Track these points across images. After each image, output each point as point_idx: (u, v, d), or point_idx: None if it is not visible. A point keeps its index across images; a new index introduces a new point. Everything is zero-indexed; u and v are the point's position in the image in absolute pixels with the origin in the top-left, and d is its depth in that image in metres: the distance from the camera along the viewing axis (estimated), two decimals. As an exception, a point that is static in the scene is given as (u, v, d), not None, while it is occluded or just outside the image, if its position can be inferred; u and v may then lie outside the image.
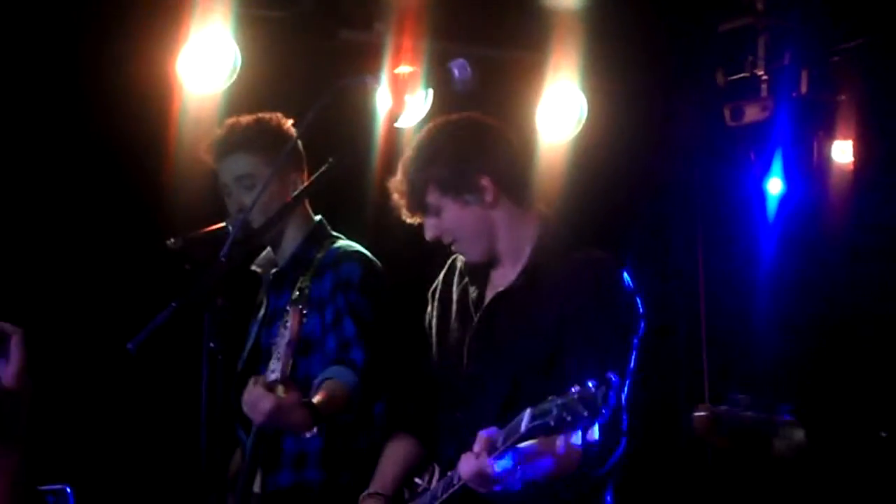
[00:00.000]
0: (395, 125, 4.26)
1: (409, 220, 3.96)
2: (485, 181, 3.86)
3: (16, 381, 2.48)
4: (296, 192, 4.29)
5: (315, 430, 4.07)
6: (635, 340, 3.78)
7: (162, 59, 5.32)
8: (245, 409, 3.99)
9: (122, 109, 5.45)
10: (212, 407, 3.32)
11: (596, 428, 3.31)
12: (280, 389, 3.91)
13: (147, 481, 5.68)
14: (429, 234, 3.94)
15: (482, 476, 3.43)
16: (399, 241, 5.07)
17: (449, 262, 4.16)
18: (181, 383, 4.15)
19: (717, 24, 6.15)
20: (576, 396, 3.19)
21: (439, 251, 5.82)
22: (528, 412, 3.31)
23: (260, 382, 3.96)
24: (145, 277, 5.39)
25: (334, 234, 4.62)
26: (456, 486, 3.64)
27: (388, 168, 4.32)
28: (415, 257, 5.05)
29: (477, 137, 3.93)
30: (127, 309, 4.86)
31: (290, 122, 4.54)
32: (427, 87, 4.00)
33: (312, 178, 4.03)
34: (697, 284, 6.51)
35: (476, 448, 3.46)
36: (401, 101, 3.71)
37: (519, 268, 3.89)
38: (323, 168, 3.97)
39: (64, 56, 5.48)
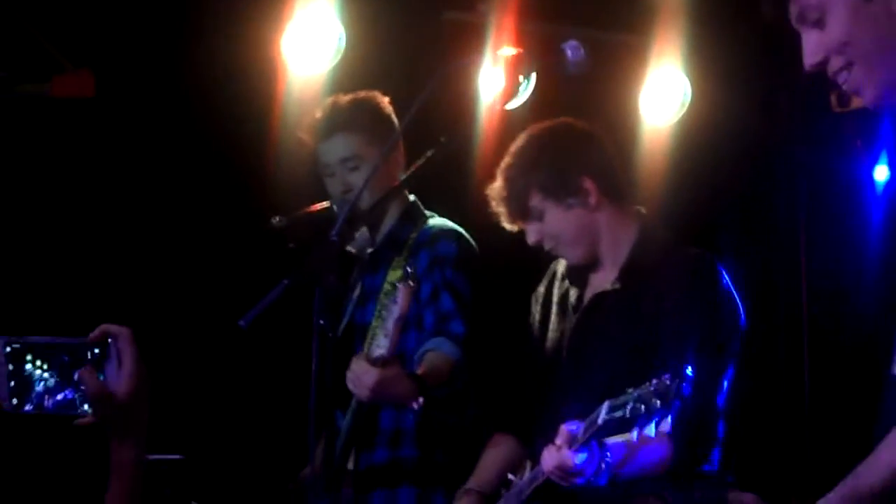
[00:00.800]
0: (503, 107, 4.23)
1: (509, 228, 3.96)
2: (587, 184, 3.88)
3: (130, 385, 2.38)
4: (405, 175, 4.28)
5: (421, 400, 4.07)
6: (733, 343, 3.75)
7: (266, 40, 5.34)
8: (349, 385, 4.02)
9: (226, 90, 5.49)
10: (322, 384, 3.33)
11: (668, 419, 3.28)
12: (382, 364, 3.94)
13: (255, 457, 5.74)
14: (531, 239, 3.95)
15: (562, 469, 3.46)
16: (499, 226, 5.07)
17: (551, 267, 4.16)
18: (289, 360, 4.18)
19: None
20: (651, 388, 3.22)
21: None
22: (605, 404, 3.34)
23: (363, 357, 3.99)
24: (250, 256, 5.43)
25: (427, 212, 4.61)
26: (539, 481, 3.66)
27: (492, 151, 4.32)
28: (515, 244, 5.05)
29: (576, 141, 3.96)
30: (233, 286, 4.91)
31: (386, 100, 4.53)
32: (535, 70, 3.97)
33: (422, 160, 4.02)
34: (800, 273, 6.43)
35: (557, 441, 3.48)
36: (515, 82, 3.69)
37: (618, 269, 3.89)
38: (430, 151, 3.96)
39: (168, 37, 5.52)
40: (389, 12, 5.69)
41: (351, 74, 5.29)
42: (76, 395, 2.41)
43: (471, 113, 4.21)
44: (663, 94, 5.94)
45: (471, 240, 4.52)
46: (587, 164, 3.91)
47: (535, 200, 3.89)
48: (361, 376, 3.97)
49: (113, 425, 2.38)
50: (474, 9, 5.75)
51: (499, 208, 3.97)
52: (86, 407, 2.40)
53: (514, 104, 4.41)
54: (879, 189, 6.21)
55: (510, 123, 4.84)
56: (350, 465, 4.38)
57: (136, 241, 5.74)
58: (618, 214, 3.93)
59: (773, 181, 6.52)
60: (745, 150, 6.32)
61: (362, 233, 4.62)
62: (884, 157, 6.18)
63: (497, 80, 4.02)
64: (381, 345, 3.96)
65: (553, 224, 3.90)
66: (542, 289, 4.17)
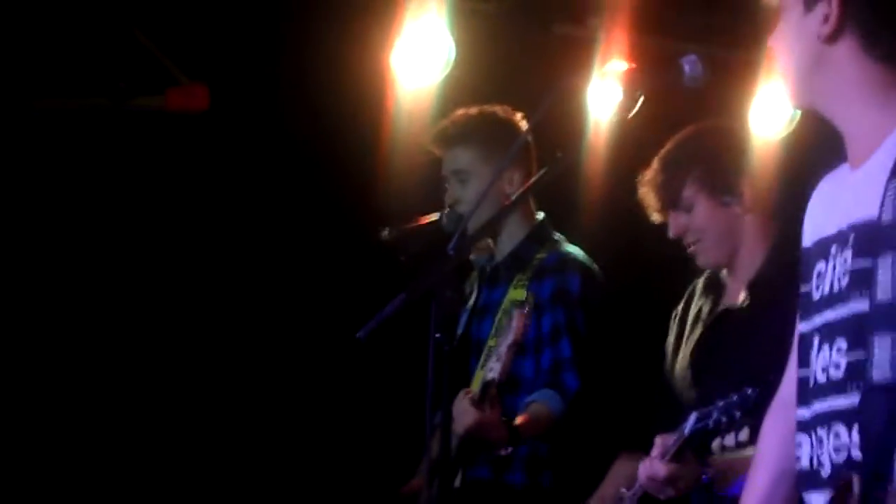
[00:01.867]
0: (622, 121, 4.22)
1: (654, 218, 3.93)
2: (745, 186, 3.85)
3: None
4: (517, 192, 4.29)
5: (510, 450, 4.13)
6: None
7: (376, 53, 5.36)
8: (453, 417, 4.06)
9: (337, 103, 5.53)
10: (438, 397, 3.34)
11: (746, 430, 3.26)
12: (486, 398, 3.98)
13: (370, 468, 5.77)
14: (673, 231, 3.93)
15: (653, 479, 3.44)
16: (608, 242, 5.06)
17: (690, 286, 4.15)
18: (405, 373, 4.20)
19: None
20: (735, 400, 3.21)
21: (645, 253, 5.77)
22: (693, 415, 3.35)
23: (469, 396, 4.04)
24: (360, 269, 5.46)
25: (556, 235, 4.60)
26: (639, 492, 3.66)
27: (601, 167, 4.30)
28: (624, 257, 5.04)
29: (743, 144, 3.93)
30: (343, 298, 4.94)
31: (517, 115, 4.53)
32: (651, 84, 3.95)
33: (534, 177, 4.01)
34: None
35: (653, 452, 3.45)
36: (633, 97, 3.67)
37: (747, 283, 3.86)
38: (545, 168, 3.95)
39: (278, 50, 5.58)
40: (499, 25, 5.70)
41: (460, 88, 5.30)
42: None
43: (581, 129, 4.19)
44: (773, 109, 5.88)
45: (597, 271, 4.52)
46: (745, 168, 3.90)
47: (689, 191, 3.88)
48: (463, 414, 4.03)
49: None
50: (584, 23, 5.74)
51: (648, 195, 3.96)
52: None
53: (626, 117, 4.40)
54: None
55: (619, 139, 4.82)
56: (457, 483, 4.39)
57: (250, 253, 5.80)
58: (762, 224, 3.91)
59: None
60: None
61: (484, 242, 4.63)
62: None
63: (612, 95, 3.99)
64: (493, 368, 4.00)
65: (701, 219, 3.88)
66: (680, 307, 4.15)
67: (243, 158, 5.73)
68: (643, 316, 5.80)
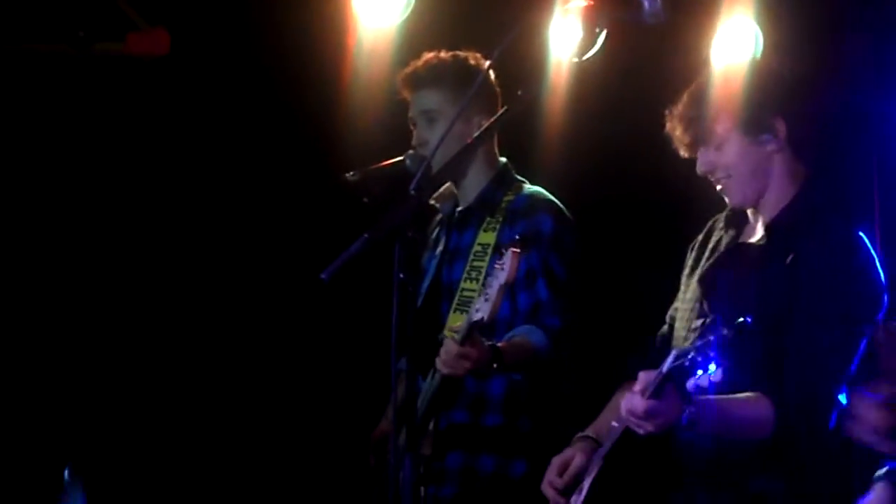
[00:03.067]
0: (577, 59, 4.21)
1: (682, 153, 3.86)
2: (780, 124, 3.78)
3: None
4: (478, 132, 4.29)
5: (495, 366, 4.13)
6: (869, 318, 3.68)
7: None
8: (438, 364, 4.10)
9: (297, 44, 5.52)
10: (402, 338, 3.34)
11: (719, 371, 3.27)
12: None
13: (335, 411, 5.80)
14: (702, 168, 3.83)
15: (632, 413, 3.45)
16: (571, 183, 5.06)
17: (711, 221, 4.09)
18: (370, 314, 4.21)
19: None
20: (711, 339, 3.23)
21: (613, 191, 5.77)
22: (672, 353, 3.34)
23: (448, 342, 4.07)
24: (324, 210, 5.47)
25: (519, 178, 4.62)
26: (621, 428, 3.65)
27: (563, 105, 4.29)
28: (584, 201, 5.04)
29: (783, 80, 3.85)
30: (308, 241, 4.95)
31: (485, 63, 4.51)
32: (611, 20, 3.94)
33: (494, 117, 4.00)
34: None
35: (634, 387, 3.48)
36: (592, 34, 3.66)
37: (767, 223, 3.83)
38: (505, 108, 3.95)
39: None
40: (460, -35, 5.68)
41: (421, 28, 5.30)
42: None
43: (542, 67, 4.17)
44: (735, 44, 5.88)
45: (566, 212, 4.52)
46: (787, 106, 3.81)
47: (722, 127, 3.78)
48: (447, 357, 4.07)
49: None
50: (546, -39, 5.71)
51: (676, 129, 3.85)
52: None
53: (586, 56, 4.40)
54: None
55: (582, 76, 4.82)
56: (430, 426, 4.42)
57: (214, 196, 5.80)
58: (793, 166, 3.84)
59: (849, 137, 6.44)
60: (829, 118, 6.23)
61: (447, 187, 4.63)
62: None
63: (572, 33, 3.98)
64: (481, 308, 3.98)
65: (731, 156, 3.79)
66: (699, 238, 4.09)
67: (205, 102, 5.72)
68: (610, 255, 5.86)
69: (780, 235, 3.76)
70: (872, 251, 3.74)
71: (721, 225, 4.01)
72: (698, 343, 3.28)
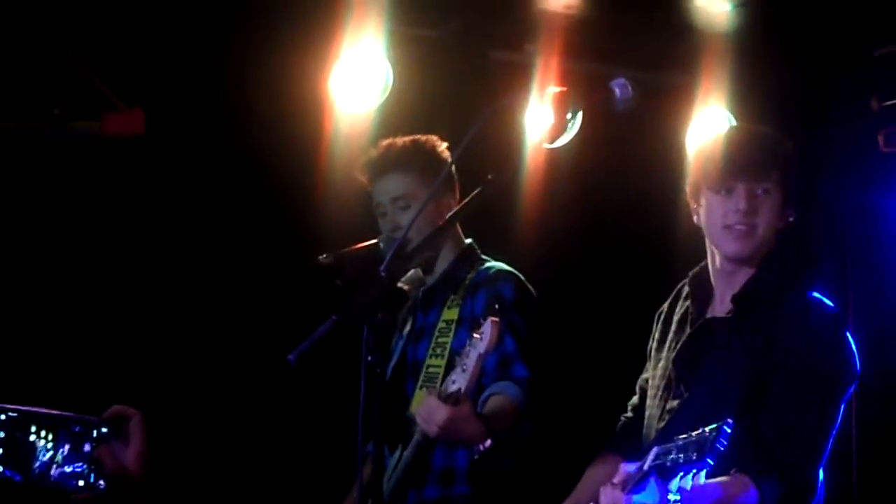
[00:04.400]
0: (550, 145, 4.24)
1: (710, 184, 3.86)
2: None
3: (138, 465, 2.42)
4: (451, 213, 4.30)
5: (489, 442, 4.08)
6: (844, 391, 3.70)
7: (314, 78, 5.38)
8: (419, 420, 4.06)
9: (275, 128, 5.53)
10: (369, 420, 3.32)
11: (701, 474, 3.25)
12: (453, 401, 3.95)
13: (302, 493, 5.75)
14: (746, 204, 3.81)
15: None
16: (544, 262, 5.08)
17: (677, 287, 4.11)
18: (338, 397, 4.19)
19: (871, 49, 6.04)
20: (692, 439, 3.20)
21: (583, 272, 5.82)
22: (654, 449, 3.32)
23: (434, 394, 4.01)
24: (297, 293, 5.45)
25: (484, 256, 4.64)
26: None
27: (538, 189, 4.31)
28: (557, 277, 5.05)
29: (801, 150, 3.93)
30: (281, 323, 4.92)
31: (444, 144, 4.58)
32: (583, 108, 3.97)
33: (467, 199, 4.02)
34: (846, 315, 6.37)
35: (615, 479, 3.45)
36: (562, 120, 3.68)
37: (733, 296, 3.83)
38: (477, 189, 3.96)
39: (216, 75, 5.57)
40: (437, 52, 5.73)
41: (398, 113, 5.33)
42: (85, 470, 2.41)
43: (517, 151, 4.20)
44: (708, 133, 5.93)
45: (527, 283, 4.53)
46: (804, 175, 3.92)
47: (785, 179, 3.83)
48: (433, 413, 3.98)
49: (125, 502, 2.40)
50: (521, 49, 5.77)
51: (753, 149, 3.86)
52: (99, 483, 2.41)
53: (560, 142, 4.43)
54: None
55: (556, 162, 4.85)
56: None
57: (186, 278, 5.78)
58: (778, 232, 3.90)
59: (819, 222, 6.48)
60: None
61: (415, 272, 4.64)
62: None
63: (544, 119, 4.02)
64: (457, 380, 3.95)
65: (770, 210, 3.82)
66: (665, 307, 4.11)
67: (180, 184, 5.72)
68: (582, 334, 5.87)
69: (749, 307, 3.77)
70: (839, 317, 3.75)
71: (686, 292, 4.02)
72: (679, 442, 3.24)
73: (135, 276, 5.74)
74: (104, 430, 2.43)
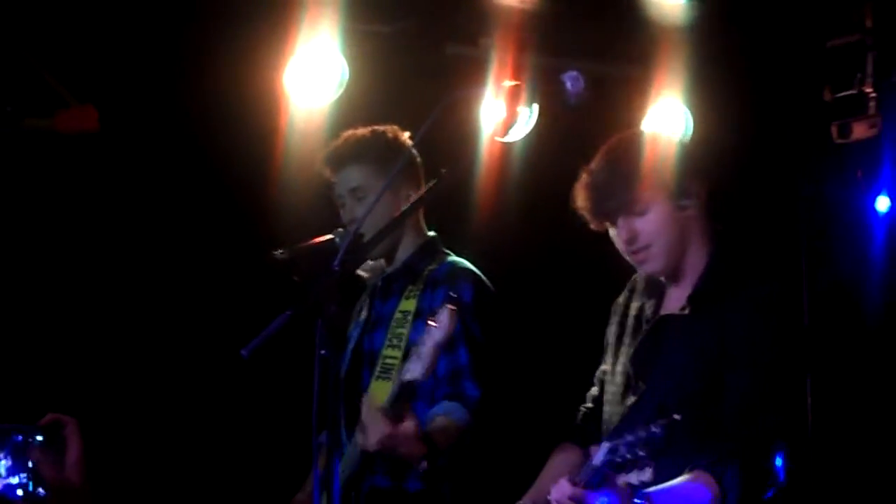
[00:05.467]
0: (503, 139, 4.25)
1: (594, 227, 3.88)
2: (700, 189, 3.83)
3: (76, 471, 2.42)
4: (406, 206, 4.31)
5: (425, 464, 4.08)
6: (796, 380, 3.72)
7: (269, 74, 5.37)
8: (359, 431, 4.05)
9: (230, 123, 5.52)
10: (322, 413, 3.32)
11: (649, 470, 3.27)
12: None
13: (256, 487, 5.74)
14: (625, 235, 3.84)
15: (561, 501, 3.44)
16: (501, 255, 5.09)
17: (632, 279, 4.11)
18: (291, 389, 4.19)
19: (824, 41, 6.08)
20: (642, 436, 3.22)
21: (541, 268, 5.84)
22: (605, 446, 3.35)
23: (379, 408, 3.99)
24: (253, 288, 5.45)
25: (446, 250, 4.64)
26: None
27: (492, 182, 4.31)
28: (512, 269, 5.06)
29: (699, 145, 3.91)
30: (236, 318, 4.92)
31: (406, 134, 4.56)
32: (536, 100, 3.98)
33: (421, 191, 4.03)
34: (801, 306, 6.40)
35: (570, 475, 3.48)
36: (514, 113, 3.70)
37: (689, 289, 3.84)
38: (432, 182, 3.98)
39: (170, 71, 5.55)
40: (392, 46, 5.73)
41: (354, 108, 5.33)
42: (25, 480, 2.40)
43: (472, 144, 4.21)
44: (664, 126, 5.96)
45: (487, 282, 4.53)
46: (707, 170, 3.88)
47: (648, 193, 3.79)
48: (373, 427, 3.98)
49: None
50: (476, 43, 5.78)
51: (589, 201, 3.86)
52: (38, 491, 2.40)
53: (516, 136, 4.44)
54: (882, 219, 6.19)
55: (511, 156, 4.87)
56: (353, 494, 4.39)
57: (140, 273, 5.76)
58: (707, 228, 3.88)
59: (773, 213, 6.52)
60: (747, 183, 6.33)
61: (378, 263, 4.65)
62: (885, 187, 6.17)
63: (499, 112, 4.03)
64: (412, 369, 3.93)
65: (656, 222, 3.81)
66: (621, 300, 4.11)
67: (135, 180, 5.70)
68: (539, 326, 5.89)
69: (703, 304, 3.78)
70: (789, 304, 3.77)
71: (641, 287, 4.02)
72: (629, 438, 3.27)
73: (87, 273, 5.71)
74: (39, 437, 2.43)
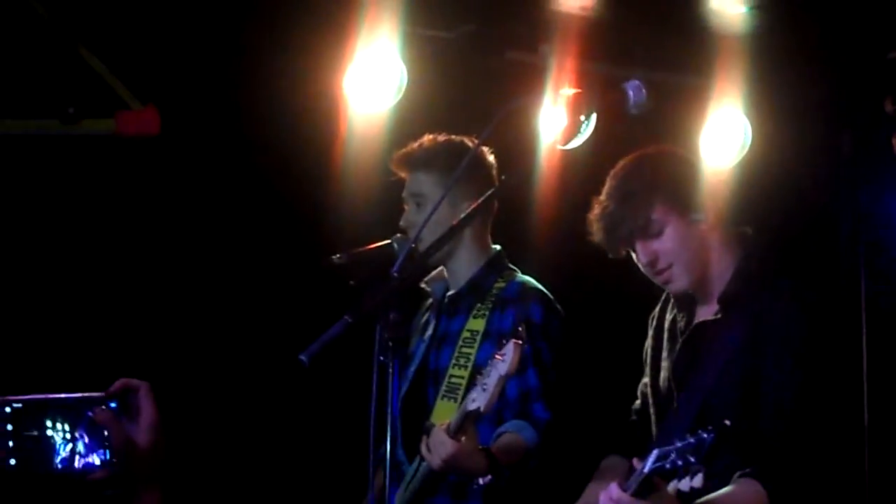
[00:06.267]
0: (563, 147, 4.24)
1: (612, 254, 3.90)
2: (709, 199, 3.84)
3: (150, 436, 2.42)
4: (463, 215, 4.29)
5: (489, 478, 4.06)
6: (838, 377, 3.71)
7: (329, 79, 5.37)
8: (423, 451, 4.05)
9: (289, 127, 5.54)
10: (381, 421, 3.32)
11: (700, 476, 3.25)
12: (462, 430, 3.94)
13: (314, 494, 5.75)
14: (645, 258, 3.88)
15: None
16: (557, 263, 5.07)
17: (666, 292, 4.11)
18: (351, 397, 4.19)
19: (885, 52, 6.03)
20: (691, 442, 3.21)
21: (596, 275, 5.81)
22: (654, 453, 3.33)
23: (443, 428, 4.00)
24: (311, 293, 5.46)
25: (512, 266, 4.62)
26: None
27: (551, 191, 4.30)
28: (570, 279, 5.04)
29: (694, 163, 3.92)
30: (294, 323, 4.93)
31: (484, 149, 4.53)
32: (597, 109, 3.97)
33: (479, 200, 4.02)
34: (860, 320, 6.35)
35: (616, 482, 3.47)
36: (574, 121, 3.68)
37: (718, 297, 3.84)
38: (488, 192, 3.97)
39: (231, 75, 5.58)
40: (451, 52, 5.71)
41: (413, 114, 5.32)
42: (110, 458, 2.40)
43: (531, 152, 4.19)
44: (724, 136, 5.92)
45: (556, 303, 4.52)
46: (706, 181, 3.89)
47: (659, 213, 3.83)
48: (437, 447, 3.98)
49: (136, 477, 2.40)
50: (536, 50, 5.76)
51: (603, 232, 3.89)
52: (113, 460, 2.39)
53: (574, 144, 4.42)
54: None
55: (569, 164, 4.85)
56: None
57: (201, 277, 5.79)
58: (725, 237, 3.89)
59: (833, 225, 6.48)
60: (806, 193, 6.29)
61: (439, 272, 4.63)
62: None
63: (558, 120, 4.01)
64: (476, 399, 3.92)
65: (673, 240, 3.84)
66: (656, 311, 4.13)
67: (194, 184, 5.73)
68: (597, 342, 5.86)
69: (734, 304, 3.77)
70: (824, 306, 3.75)
71: (673, 300, 4.02)
72: (678, 444, 3.25)
73: (149, 275, 5.75)
74: (112, 405, 2.42)
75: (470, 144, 4.57)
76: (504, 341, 3.88)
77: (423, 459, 4.23)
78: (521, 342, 3.84)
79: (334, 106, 5.40)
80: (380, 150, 4.84)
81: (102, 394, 2.42)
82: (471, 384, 4.11)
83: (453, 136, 4.61)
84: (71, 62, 5.18)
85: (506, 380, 3.87)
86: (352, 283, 4.44)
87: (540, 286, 4.55)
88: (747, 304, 3.76)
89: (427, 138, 4.63)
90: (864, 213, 6.34)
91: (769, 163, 6.05)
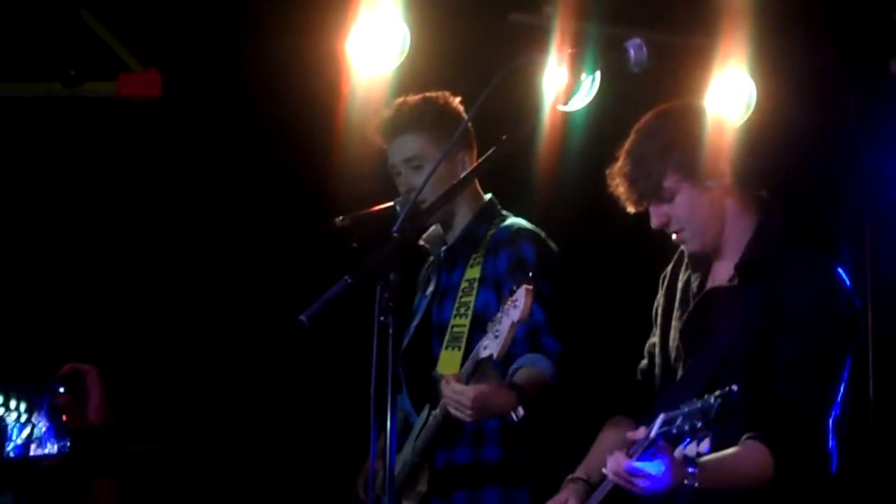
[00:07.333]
0: (565, 107, 4.22)
1: (631, 210, 3.88)
2: (724, 165, 3.79)
3: (98, 416, 2.44)
4: (465, 173, 4.28)
5: (521, 411, 4.06)
6: (849, 350, 3.70)
7: (332, 40, 5.36)
8: (451, 410, 4.03)
9: (292, 90, 5.53)
10: (381, 381, 3.32)
11: (707, 441, 3.24)
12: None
13: (314, 453, 5.78)
14: (656, 222, 3.82)
15: (618, 475, 3.41)
16: (563, 222, 5.07)
17: (679, 250, 4.08)
18: (350, 357, 4.20)
19: (891, 12, 6.00)
20: (698, 407, 3.19)
21: (600, 234, 5.81)
22: (660, 417, 3.30)
23: (454, 379, 4.00)
24: (314, 255, 5.46)
25: (504, 212, 4.62)
26: (609, 485, 3.61)
27: (553, 150, 4.28)
28: (578, 238, 5.04)
29: (713, 122, 3.86)
30: (296, 284, 4.94)
31: (457, 99, 4.54)
32: (598, 68, 3.95)
33: (482, 158, 4.01)
34: (865, 279, 6.35)
35: (622, 447, 3.45)
36: (576, 81, 3.67)
37: (736, 260, 3.81)
38: (493, 148, 3.95)
39: (233, 37, 5.57)
40: (454, 13, 5.70)
41: (415, 75, 5.30)
42: (68, 448, 2.40)
43: (534, 112, 4.18)
44: (729, 96, 5.90)
45: (549, 240, 4.52)
46: (722, 146, 3.82)
47: (671, 180, 3.76)
48: (460, 398, 3.97)
49: (91, 464, 2.41)
50: (539, 11, 5.74)
51: (621, 188, 3.83)
52: (64, 445, 2.40)
53: (578, 104, 4.41)
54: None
55: (573, 123, 4.84)
56: (426, 463, 4.41)
57: (202, 238, 5.80)
58: (744, 200, 3.83)
59: (839, 184, 6.46)
60: (812, 153, 6.27)
61: (435, 229, 4.63)
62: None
63: (561, 80, 3.99)
64: (489, 346, 3.92)
65: (684, 206, 3.79)
66: (668, 270, 4.10)
67: (196, 146, 5.73)
68: (600, 295, 5.86)
69: (751, 274, 3.76)
70: (842, 276, 3.74)
71: (687, 259, 4.00)
72: (685, 409, 3.24)
73: (152, 237, 5.76)
74: (60, 389, 2.43)
75: (443, 99, 4.56)
76: (515, 287, 3.87)
77: (431, 409, 4.25)
78: (531, 287, 3.82)
79: (337, 68, 5.39)
80: (382, 113, 4.82)
81: (52, 378, 2.44)
82: (473, 331, 4.10)
83: (427, 94, 4.59)
84: (72, 25, 5.18)
85: (517, 326, 3.86)
86: (354, 245, 4.43)
87: (530, 225, 4.55)
88: (763, 274, 3.74)
89: (401, 101, 4.61)
90: (869, 174, 6.32)
91: (774, 124, 6.03)
